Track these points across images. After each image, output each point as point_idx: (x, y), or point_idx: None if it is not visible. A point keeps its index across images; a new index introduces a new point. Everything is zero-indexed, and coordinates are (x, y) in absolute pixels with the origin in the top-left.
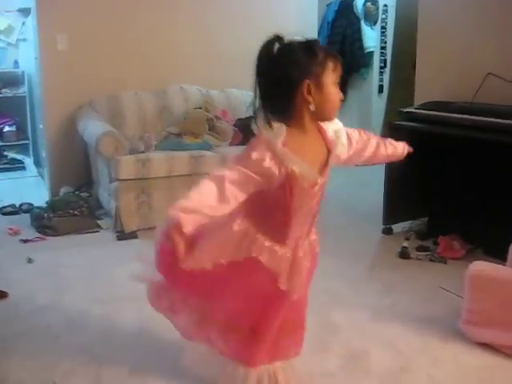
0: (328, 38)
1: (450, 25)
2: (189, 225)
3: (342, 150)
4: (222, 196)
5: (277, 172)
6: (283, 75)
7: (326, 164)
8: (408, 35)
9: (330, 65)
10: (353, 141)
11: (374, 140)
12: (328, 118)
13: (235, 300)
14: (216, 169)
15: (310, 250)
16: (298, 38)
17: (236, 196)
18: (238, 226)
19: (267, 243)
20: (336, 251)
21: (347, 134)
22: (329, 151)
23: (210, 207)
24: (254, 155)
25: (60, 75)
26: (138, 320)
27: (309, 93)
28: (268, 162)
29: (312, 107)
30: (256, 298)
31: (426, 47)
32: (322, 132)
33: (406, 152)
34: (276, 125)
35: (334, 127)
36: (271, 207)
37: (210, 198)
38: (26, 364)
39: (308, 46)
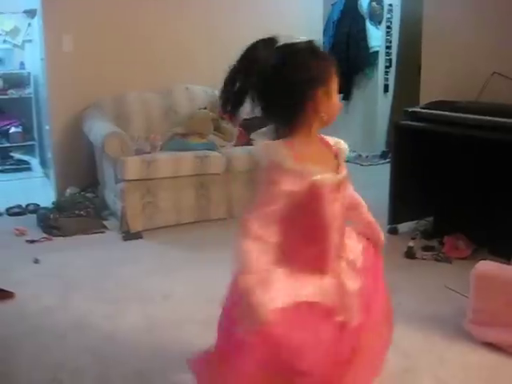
0: (333, 37)
1: (455, 24)
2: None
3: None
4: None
5: (296, 188)
6: (293, 82)
7: (337, 166)
8: (413, 34)
9: (334, 70)
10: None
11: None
12: (326, 125)
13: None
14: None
15: (352, 268)
16: (294, 39)
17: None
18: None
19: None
20: None
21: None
22: (335, 156)
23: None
24: (271, 185)
25: (66, 76)
26: (143, 320)
27: (321, 101)
28: (285, 184)
29: (324, 116)
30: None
31: (431, 46)
32: (323, 140)
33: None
34: (271, 140)
35: (336, 143)
36: (305, 228)
37: (259, 255)
38: (32, 363)
39: (314, 49)
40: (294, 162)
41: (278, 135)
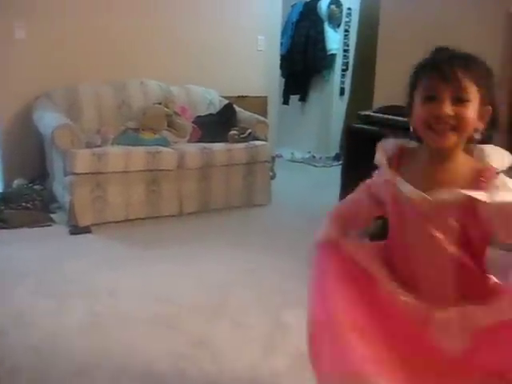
0: (291, 38)
1: (410, 29)
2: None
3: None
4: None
5: (381, 191)
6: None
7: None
8: (371, 39)
9: (422, 77)
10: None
11: None
12: (427, 143)
13: None
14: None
15: (465, 327)
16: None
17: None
18: None
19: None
20: (296, 251)
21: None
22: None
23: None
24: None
25: (17, 64)
26: (87, 317)
27: (414, 106)
28: (374, 180)
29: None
30: None
31: (385, 50)
32: (476, 170)
33: None
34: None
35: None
36: (390, 241)
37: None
38: None
39: (434, 58)
40: (386, 166)
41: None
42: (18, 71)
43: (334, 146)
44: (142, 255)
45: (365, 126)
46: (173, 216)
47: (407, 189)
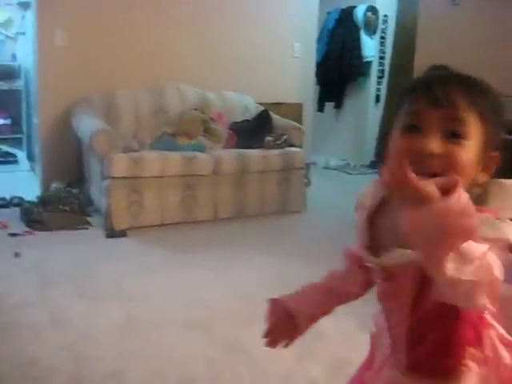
0: (327, 45)
1: (449, 36)
2: None
3: None
4: None
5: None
6: None
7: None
8: (407, 45)
9: (405, 103)
10: None
11: None
12: None
13: None
14: None
15: None
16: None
17: None
18: None
19: None
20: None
21: None
22: None
23: None
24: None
25: (57, 70)
26: (122, 318)
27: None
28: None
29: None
30: None
31: (424, 58)
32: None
33: None
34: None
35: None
36: None
37: None
38: (7, 359)
39: (417, 82)
40: (364, 215)
41: None
42: (57, 77)
43: (369, 154)
44: (176, 259)
45: None
46: (207, 221)
47: (360, 250)
